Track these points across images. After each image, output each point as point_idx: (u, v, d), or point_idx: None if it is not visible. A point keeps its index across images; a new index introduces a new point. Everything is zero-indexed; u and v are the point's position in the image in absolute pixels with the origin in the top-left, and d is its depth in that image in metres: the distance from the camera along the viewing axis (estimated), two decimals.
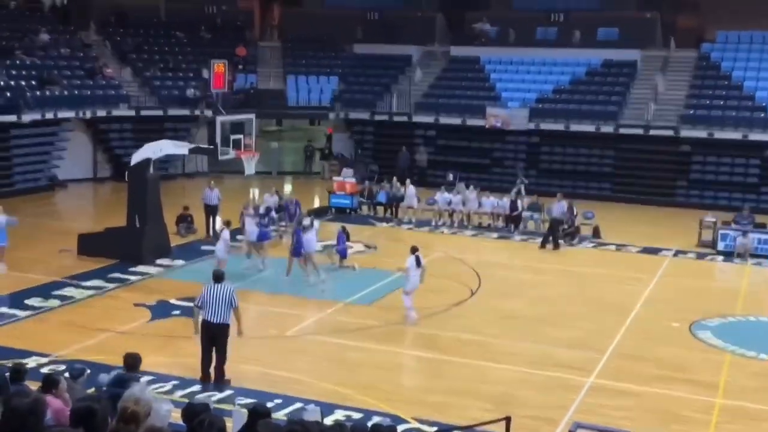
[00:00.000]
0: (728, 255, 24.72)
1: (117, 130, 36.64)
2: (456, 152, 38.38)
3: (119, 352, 14.60)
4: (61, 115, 33.72)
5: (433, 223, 28.39)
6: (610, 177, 36.35)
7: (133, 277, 20.10)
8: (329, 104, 39.97)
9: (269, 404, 10.59)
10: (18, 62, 34.35)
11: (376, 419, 11.64)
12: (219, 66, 26.38)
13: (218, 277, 13.68)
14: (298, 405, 12.39)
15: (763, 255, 24.77)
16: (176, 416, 6.84)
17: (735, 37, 39.34)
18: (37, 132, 33.12)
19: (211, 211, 25.35)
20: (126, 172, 23.70)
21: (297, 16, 47.03)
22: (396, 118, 38.94)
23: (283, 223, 25.06)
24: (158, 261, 21.64)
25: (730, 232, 25.47)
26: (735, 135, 34.15)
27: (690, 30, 44.06)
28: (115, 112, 35.94)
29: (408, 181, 30.02)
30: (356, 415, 12.27)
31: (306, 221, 21.15)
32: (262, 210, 23.35)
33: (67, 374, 9.72)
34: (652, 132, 35.25)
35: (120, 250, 21.51)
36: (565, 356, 15.31)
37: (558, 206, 26.03)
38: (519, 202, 28.01)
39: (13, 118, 31.23)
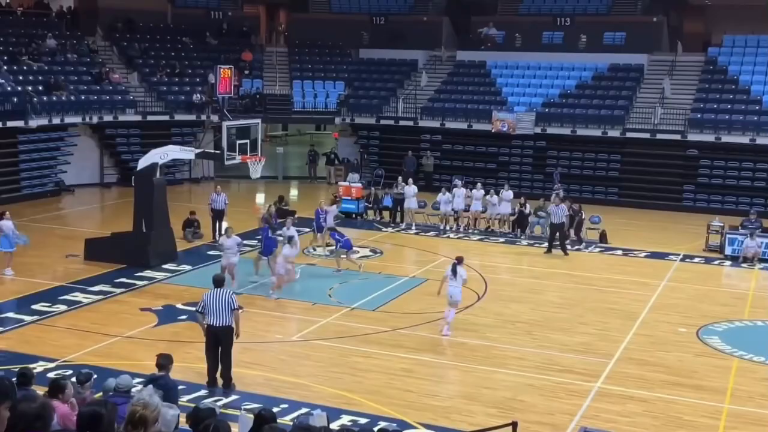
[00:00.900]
0: (736, 259, 24.68)
1: (124, 135, 36.79)
2: (462, 157, 38.45)
3: (126, 357, 14.74)
4: (68, 120, 33.87)
5: (441, 227, 28.40)
6: (616, 181, 36.33)
7: (139, 282, 20.17)
8: (335, 109, 40.06)
9: (275, 409, 10.63)
10: (25, 68, 34.53)
11: (382, 424, 11.65)
12: (225, 71, 26.46)
13: (218, 282, 13.78)
14: (304, 410, 12.41)
15: None
16: (182, 421, 6.86)
17: (742, 41, 39.33)
18: (44, 137, 33.28)
19: (217, 215, 25.41)
20: (132, 177, 23.81)
21: (303, 21, 47.12)
22: (402, 123, 39.01)
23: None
24: (165, 266, 21.72)
25: (737, 237, 25.43)
26: (742, 139, 34.12)
27: (697, 34, 44.06)
28: (122, 117, 36.10)
29: (410, 180, 30.01)
30: (362, 420, 12.29)
31: (290, 232, 20.64)
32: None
33: (74, 379, 9.76)
34: (659, 136, 35.23)
35: (126, 254, 21.59)
36: (572, 361, 15.30)
37: (557, 210, 26.07)
38: (527, 206, 27.89)
39: (20, 123, 31.40)
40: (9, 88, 32.01)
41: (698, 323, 18.05)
